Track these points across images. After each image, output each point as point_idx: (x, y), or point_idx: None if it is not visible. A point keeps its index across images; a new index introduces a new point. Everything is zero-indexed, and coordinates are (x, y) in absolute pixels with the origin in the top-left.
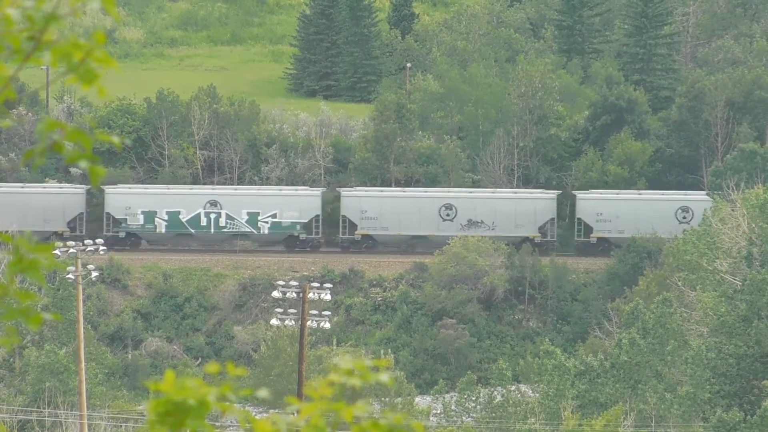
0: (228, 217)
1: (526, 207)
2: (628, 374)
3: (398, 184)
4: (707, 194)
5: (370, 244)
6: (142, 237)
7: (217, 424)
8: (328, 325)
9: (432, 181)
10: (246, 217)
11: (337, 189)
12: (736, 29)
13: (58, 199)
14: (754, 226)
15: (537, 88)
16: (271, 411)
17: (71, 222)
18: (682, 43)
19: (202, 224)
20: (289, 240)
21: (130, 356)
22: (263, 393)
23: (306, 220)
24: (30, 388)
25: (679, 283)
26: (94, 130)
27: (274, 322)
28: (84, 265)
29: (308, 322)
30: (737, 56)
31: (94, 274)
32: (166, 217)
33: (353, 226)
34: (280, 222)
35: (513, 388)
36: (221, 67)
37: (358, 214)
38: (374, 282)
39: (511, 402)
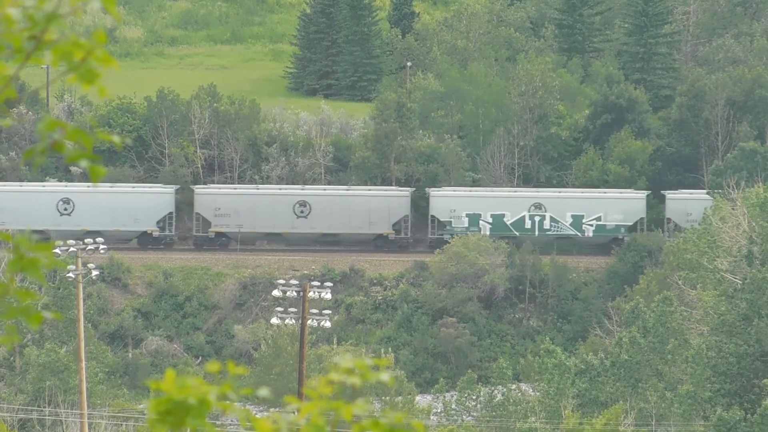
0: (552, 219)
1: None
2: (628, 373)
3: (399, 183)
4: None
5: None
6: None
7: (217, 423)
8: (328, 324)
9: (432, 180)
10: (570, 220)
11: (662, 192)
12: (737, 28)
13: (384, 201)
14: (754, 224)
15: (537, 87)
16: (272, 410)
17: (396, 224)
18: (682, 41)
19: (526, 227)
20: (613, 242)
21: (130, 355)
22: (264, 392)
23: (630, 223)
24: (30, 386)
25: (680, 282)
26: (95, 129)
27: (274, 320)
28: (84, 264)
29: (309, 321)
30: (737, 55)
31: (95, 272)
32: (490, 220)
33: (679, 230)
34: (605, 225)
35: (513, 386)
36: (221, 66)
37: (684, 216)
38: (375, 281)
39: (511, 401)
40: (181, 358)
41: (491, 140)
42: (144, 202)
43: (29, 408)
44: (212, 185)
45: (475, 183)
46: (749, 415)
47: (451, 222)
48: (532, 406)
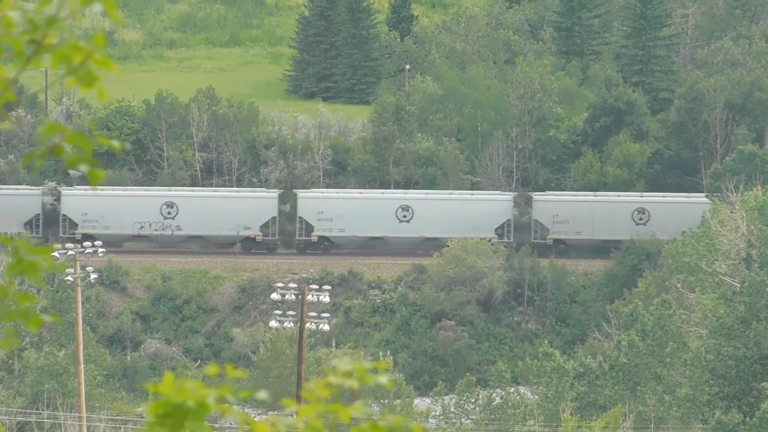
0: None
1: None
2: (627, 376)
3: (397, 186)
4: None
5: None
6: None
7: (216, 426)
8: (327, 327)
9: (431, 182)
10: None
11: None
12: (735, 31)
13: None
14: (752, 228)
15: (536, 90)
16: (270, 413)
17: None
18: (681, 44)
19: None
20: None
21: (129, 358)
22: (262, 395)
23: None
24: (29, 389)
25: (678, 285)
26: (94, 132)
27: (273, 324)
28: (83, 267)
29: (307, 324)
30: (736, 58)
31: (93, 276)
32: None
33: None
34: None
35: (512, 389)
36: (220, 69)
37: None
38: (373, 284)
39: (510, 404)
40: (179, 361)
41: (490, 143)
42: (484, 209)
43: (28, 411)
44: (551, 192)
45: (474, 186)
46: (748, 418)
47: None
48: (531, 409)
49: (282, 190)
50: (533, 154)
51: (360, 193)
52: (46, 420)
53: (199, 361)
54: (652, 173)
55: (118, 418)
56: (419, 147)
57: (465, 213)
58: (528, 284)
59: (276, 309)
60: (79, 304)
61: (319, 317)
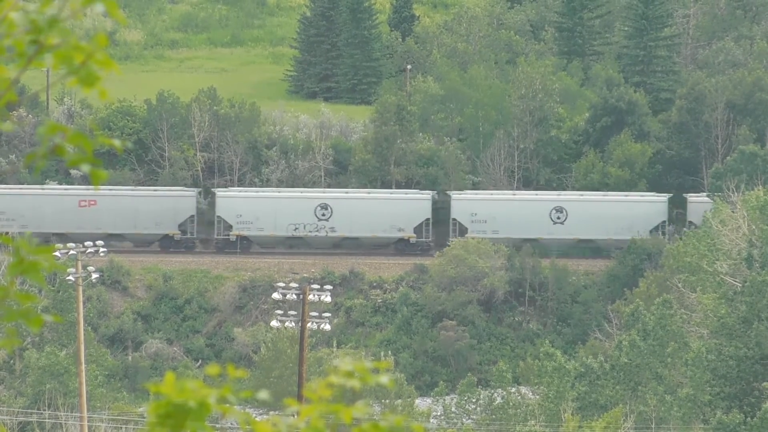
0: None
1: None
2: (628, 376)
3: (399, 186)
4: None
5: None
6: None
7: (217, 426)
8: (328, 327)
9: (432, 183)
10: None
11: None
12: (737, 31)
13: None
14: (754, 227)
15: (537, 90)
16: (272, 413)
17: None
18: (682, 45)
19: None
20: None
21: (130, 358)
22: (263, 395)
23: None
24: (30, 389)
25: (680, 285)
26: (95, 132)
27: (274, 323)
28: (84, 267)
29: (308, 324)
30: (737, 58)
31: (95, 275)
32: None
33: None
34: None
35: (513, 390)
36: (221, 69)
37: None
38: (374, 284)
39: (511, 404)
40: (180, 361)
41: (491, 143)
42: (638, 210)
43: (29, 411)
44: (697, 193)
45: (475, 186)
46: (749, 418)
47: None
48: (532, 409)
49: (436, 192)
50: (535, 154)
51: (514, 194)
52: (47, 420)
53: (200, 361)
54: (653, 173)
55: (119, 418)
56: (420, 147)
57: (619, 214)
58: (529, 284)
59: (277, 309)
60: (81, 304)
61: (320, 317)
